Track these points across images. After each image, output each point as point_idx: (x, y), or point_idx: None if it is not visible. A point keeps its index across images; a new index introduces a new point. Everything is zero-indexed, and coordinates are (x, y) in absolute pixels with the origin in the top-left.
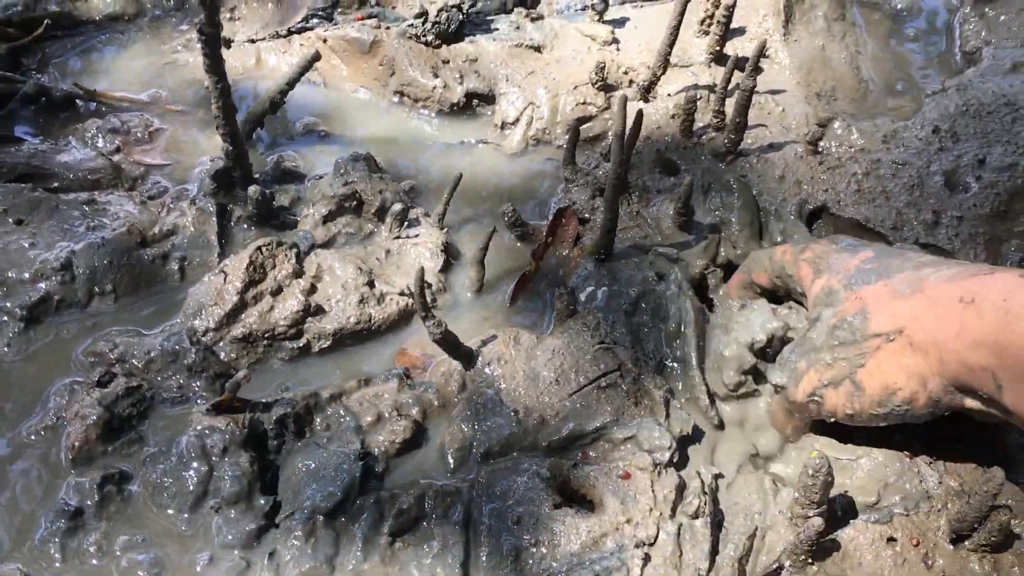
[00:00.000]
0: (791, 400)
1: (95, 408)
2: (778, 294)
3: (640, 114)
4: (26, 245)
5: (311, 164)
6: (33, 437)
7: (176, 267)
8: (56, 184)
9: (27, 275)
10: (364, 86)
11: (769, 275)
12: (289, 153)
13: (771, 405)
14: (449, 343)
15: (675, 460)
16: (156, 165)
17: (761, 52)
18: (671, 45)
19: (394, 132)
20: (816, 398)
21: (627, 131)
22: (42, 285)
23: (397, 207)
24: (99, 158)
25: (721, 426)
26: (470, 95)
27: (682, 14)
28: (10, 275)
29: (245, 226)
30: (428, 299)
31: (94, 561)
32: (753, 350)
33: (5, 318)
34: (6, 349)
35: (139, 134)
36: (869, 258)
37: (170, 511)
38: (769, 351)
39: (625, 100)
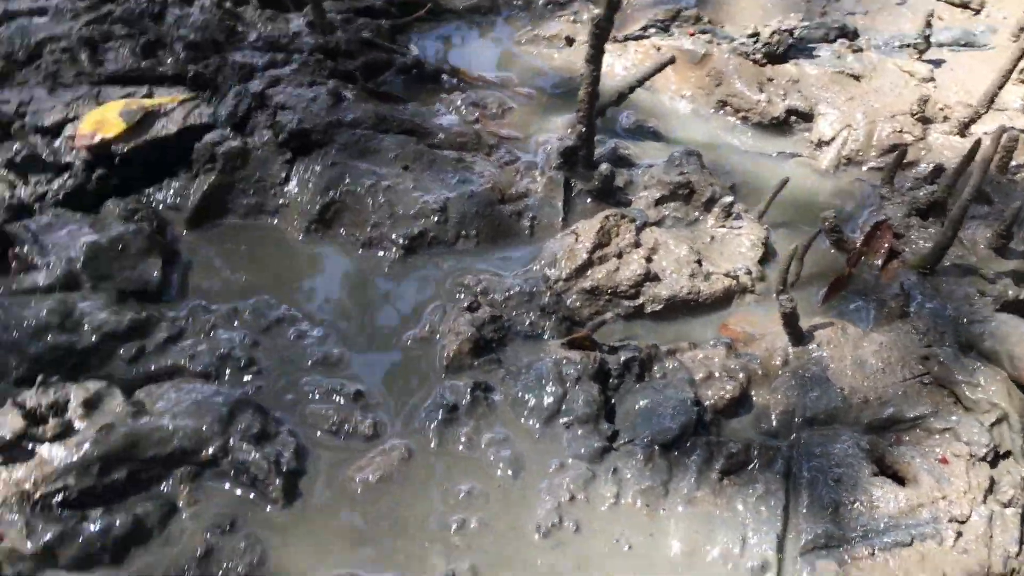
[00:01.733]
0: None
1: (468, 327)
2: None
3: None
4: (410, 187)
5: (640, 154)
6: (411, 344)
7: (528, 224)
8: (432, 141)
9: (411, 212)
10: (688, 94)
11: None
12: (623, 142)
13: None
14: (792, 318)
15: (989, 459)
16: (508, 137)
17: None
18: (1000, 87)
19: (713, 137)
20: None
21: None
22: (421, 221)
23: (727, 199)
24: (464, 124)
25: None
26: (790, 111)
27: (1019, 59)
28: (398, 210)
29: (587, 200)
30: (747, 284)
31: (462, 449)
32: None
33: (389, 245)
34: (386, 270)
35: (493, 109)
36: None
37: (527, 421)
38: None
39: (1002, 131)
